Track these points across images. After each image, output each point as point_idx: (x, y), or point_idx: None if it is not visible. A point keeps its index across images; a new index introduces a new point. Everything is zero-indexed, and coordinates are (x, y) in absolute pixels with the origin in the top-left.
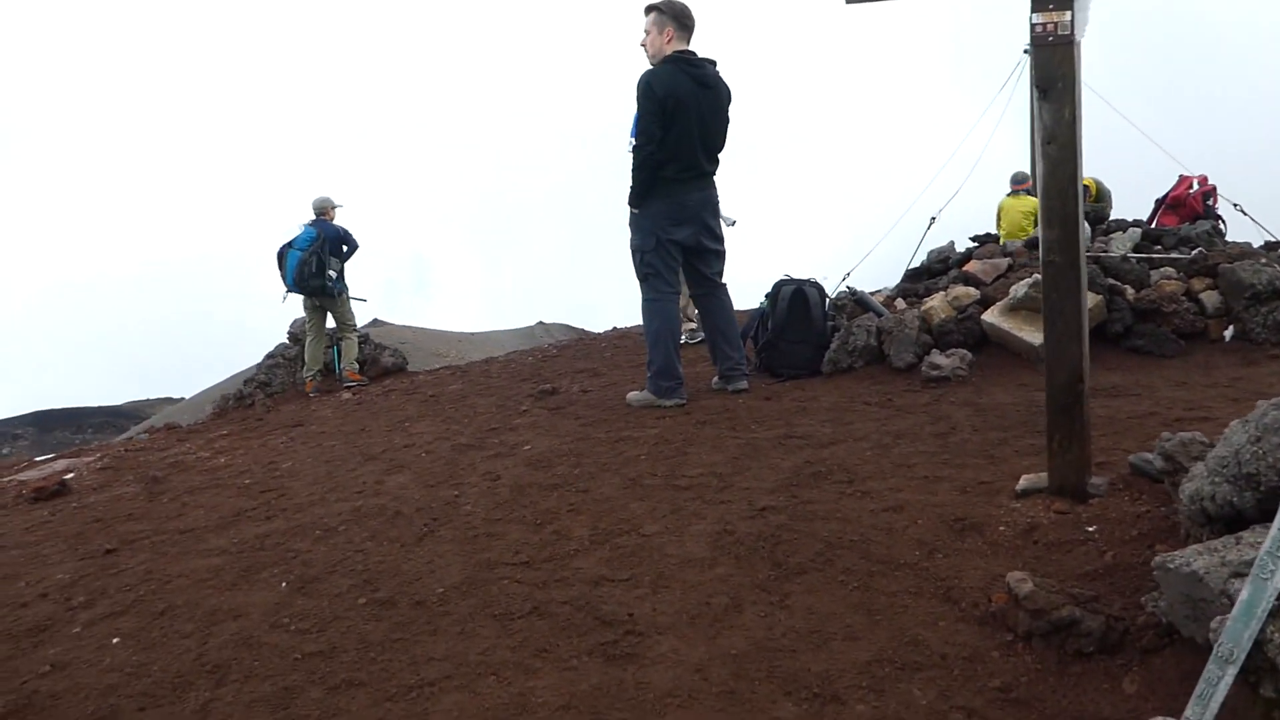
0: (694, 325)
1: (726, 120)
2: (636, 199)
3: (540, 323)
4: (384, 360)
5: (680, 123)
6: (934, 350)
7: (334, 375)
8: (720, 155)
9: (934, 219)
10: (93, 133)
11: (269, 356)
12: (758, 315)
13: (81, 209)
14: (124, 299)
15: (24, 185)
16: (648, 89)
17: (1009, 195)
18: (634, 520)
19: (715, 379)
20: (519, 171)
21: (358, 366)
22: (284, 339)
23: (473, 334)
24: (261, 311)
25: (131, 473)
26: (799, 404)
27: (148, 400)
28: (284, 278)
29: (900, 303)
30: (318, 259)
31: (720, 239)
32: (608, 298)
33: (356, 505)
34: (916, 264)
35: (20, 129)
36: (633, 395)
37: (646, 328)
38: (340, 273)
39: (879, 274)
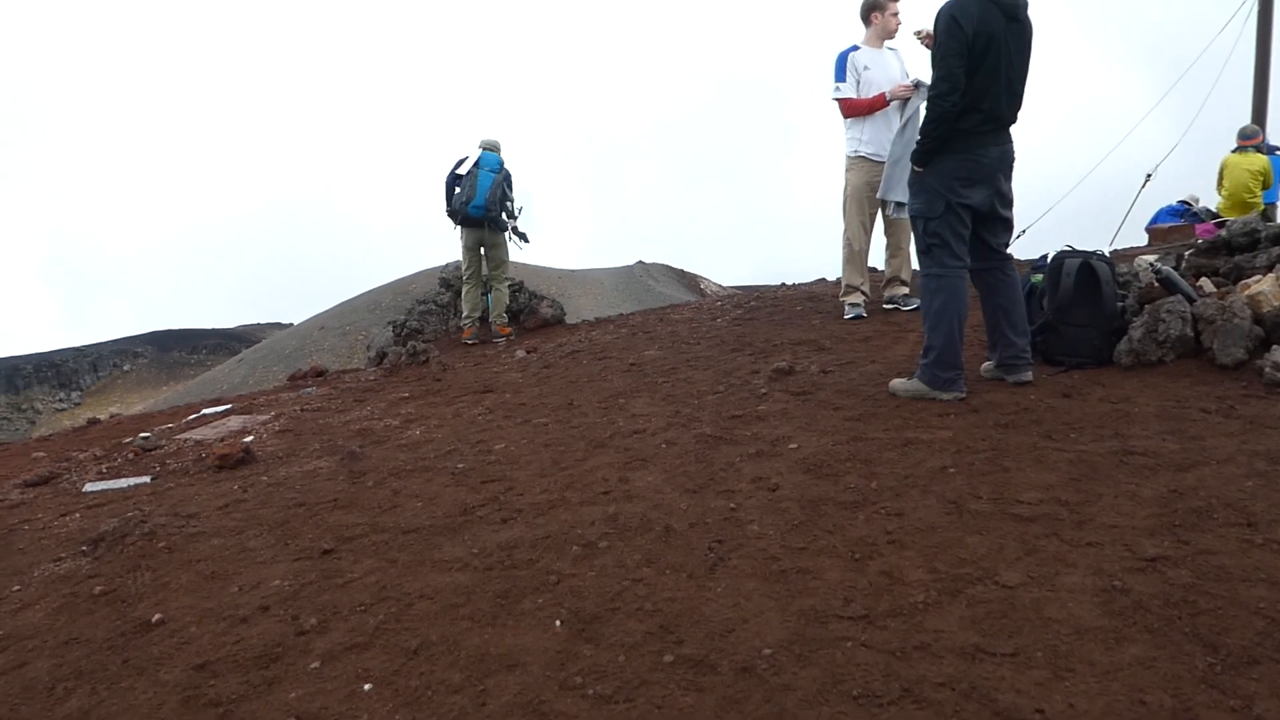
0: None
1: (1029, 60)
2: (924, 156)
3: (640, 262)
4: (542, 311)
5: (988, 64)
6: (1274, 346)
7: (487, 324)
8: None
9: (1150, 176)
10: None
11: (420, 303)
12: (1025, 292)
13: (205, 158)
14: (234, 236)
15: (159, 138)
16: (952, 24)
17: (1234, 152)
18: (980, 562)
19: (988, 365)
20: (622, 106)
21: (507, 319)
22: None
23: (573, 271)
24: (355, 248)
25: (316, 441)
26: (1113, 406)
27: (258, 324)
28: (457, 203)
29: (1206, 283)
30: (504, 187)
31: (1011, 204)
32: (706, 239)
33: (609, 512)
34: (1130, 225)
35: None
36: (899, 384)
37: (925, 306)
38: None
39: (1061, 233)
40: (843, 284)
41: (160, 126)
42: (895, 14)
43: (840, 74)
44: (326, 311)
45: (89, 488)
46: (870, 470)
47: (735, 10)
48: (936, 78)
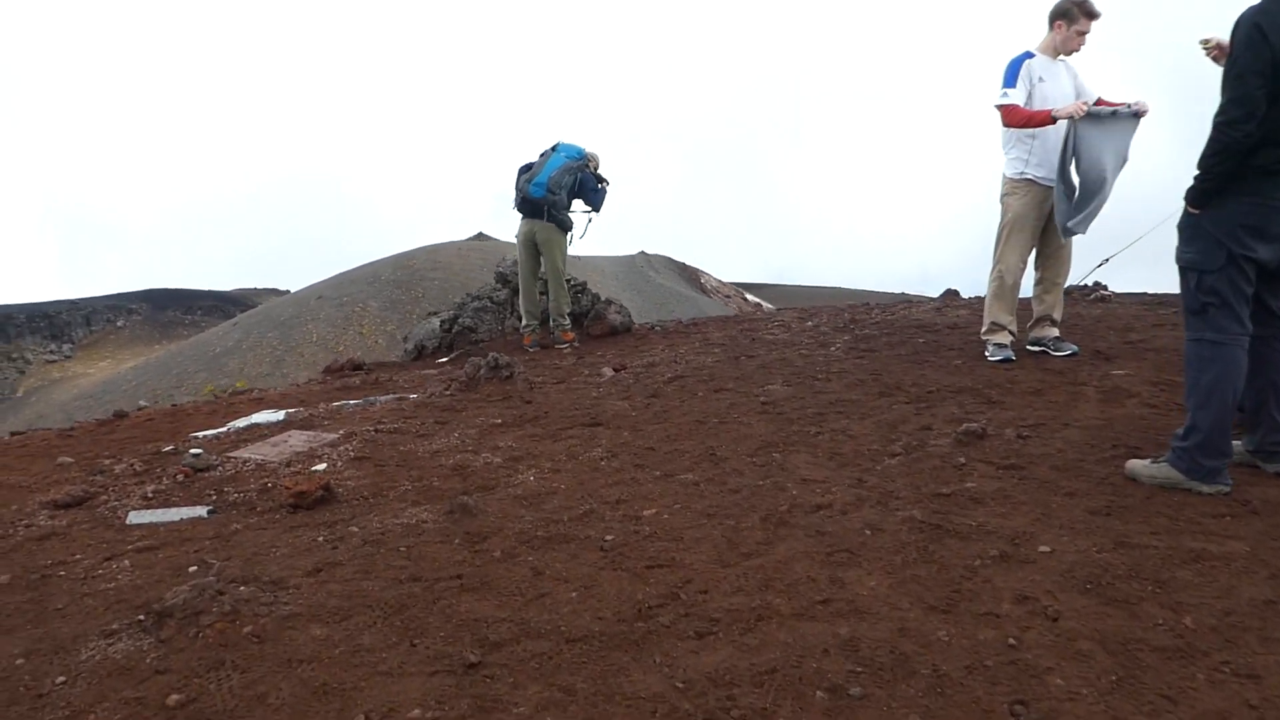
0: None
1: None
2: (1202, 195)
3: (642, 253)
4: (609, 317)
5: None
6: None
7: (547, 327)
8: None
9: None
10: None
11: (475, 298)
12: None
13: (212, 131)
14: (237, 201)
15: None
16: (1255, 35)
17: None
18: None
19: (1237, 444)
20: (631, 98)
21: (569, 324)
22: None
23: (574, 257)
24: (356, 221)
25: (405, 477)
26: None
27: (255, 289)
28: (520, 182)
29: None
30: (576, 178)
31: None
32: (709, 234)
33: (842, 635)
34: None
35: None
36: (1141, 467)
37: (1193, 379)
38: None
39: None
40: (986, 320)
41: (175, 89)
42: (1083, 34)
43: (1011, 79)
44: (324, 281)
45: (134, 518)
46: (1170, 597)
47: (749, 5)
48: (1227, 101)
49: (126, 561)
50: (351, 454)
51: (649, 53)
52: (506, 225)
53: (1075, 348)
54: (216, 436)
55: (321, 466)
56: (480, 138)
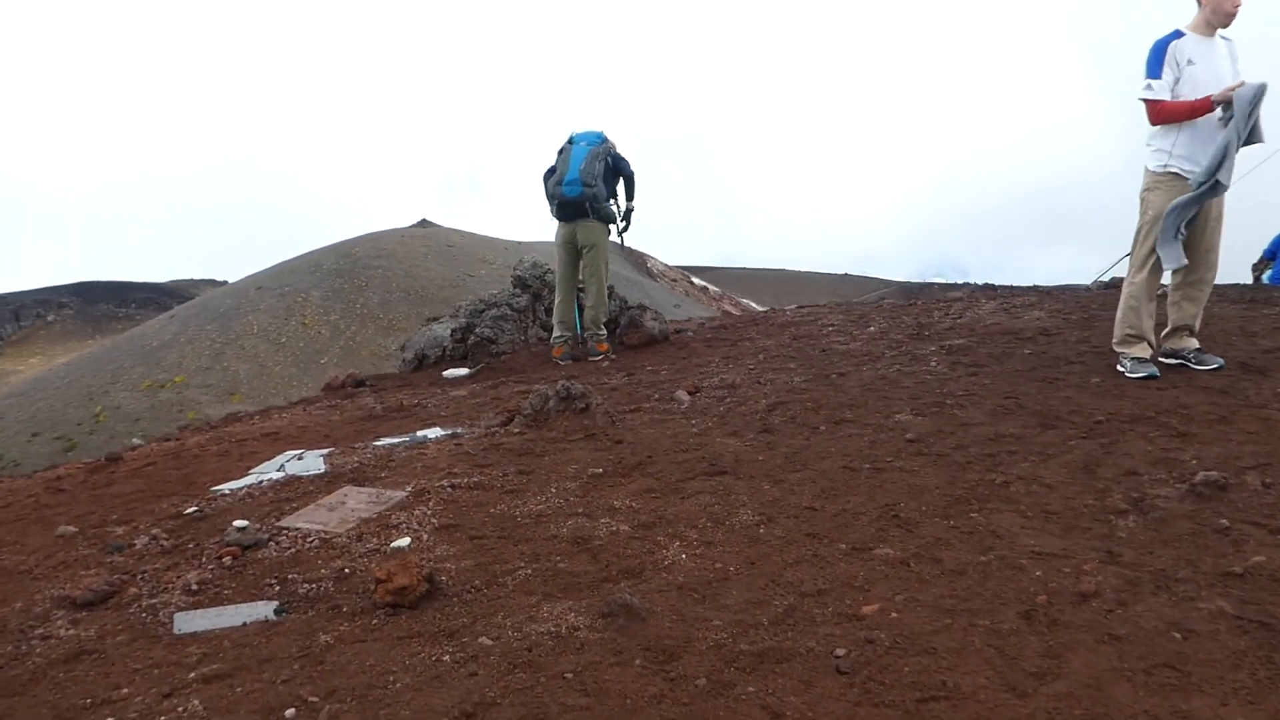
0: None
1: None
2: None
3: None
4: (647, 324)
5: None
6: None
7: (579, 338)
8: None
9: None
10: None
11: (493, 305)
12: None
13: (144, 109)
14: (170, 188)
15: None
16: None
17: None
18: None
19: None
20: (573, 79)
21: (605, 333)
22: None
23: (520, 242)
24: (295, 209)
25: (517, 555)
26: None
27: (191, 280)
28: (551, 186)
29: None
30: (607, 164)
31: None
32: (652, 215)
33: None
34: None
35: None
36: None
37: None
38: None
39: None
40: (1120, 329)
41: (105, 69)
42: (1236, 2)
43: (1155, 69)
44: (264, 271)
45: (183, 624)
46: None
47: None
48: None
49: (196, 701)
50: (434, 521)
51: (592, 33)
52: (450, 211)
53: (1220, 360)
54: (247, 492)
55: (405, 542)
56: (421, 120)
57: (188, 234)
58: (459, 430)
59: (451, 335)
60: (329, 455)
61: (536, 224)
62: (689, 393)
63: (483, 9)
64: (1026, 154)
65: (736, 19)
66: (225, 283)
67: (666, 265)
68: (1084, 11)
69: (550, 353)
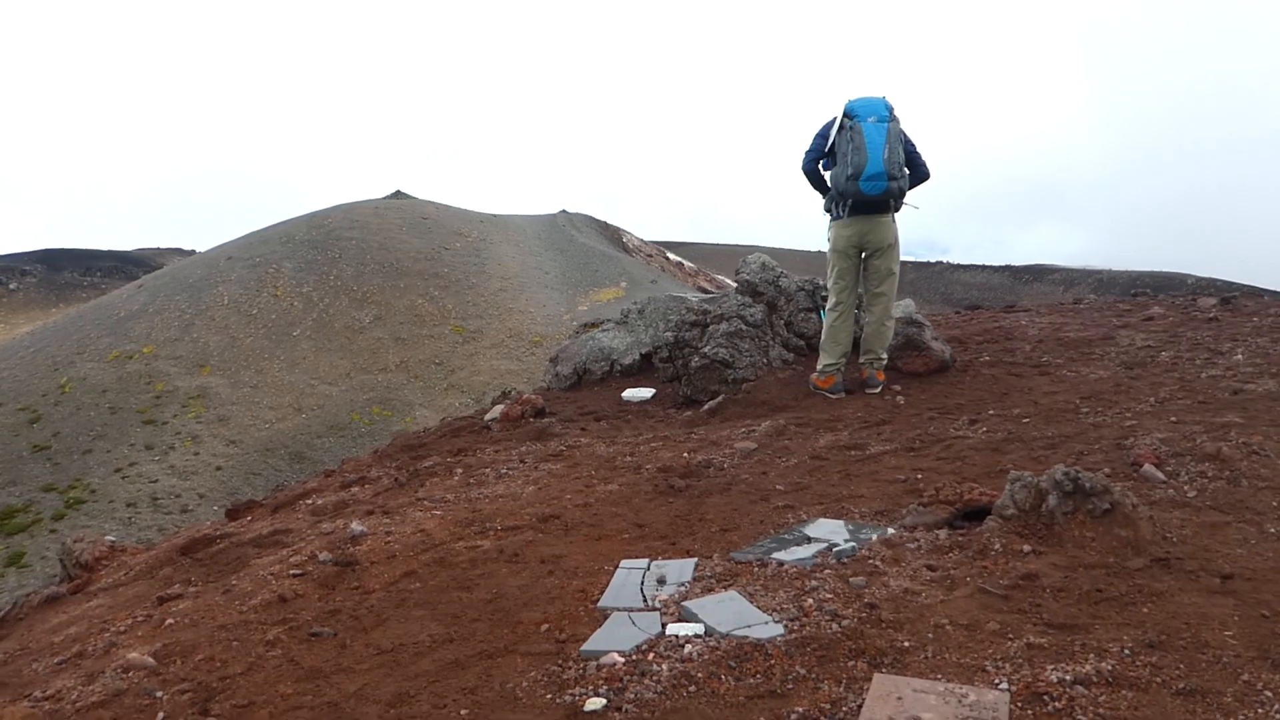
0: None
1: None
2: None
3: (564, 211)
4: (932, 347)
5: None
6: None
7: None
8: None
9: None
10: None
11: (718, 317)
12: None
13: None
14: (138, 152)
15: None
16: None
17: None
18: None
19: None
20: (550, 54)
21: (886, 359)
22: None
23: (495, 215)
24: (266, 182)
25: None
26: None
27: (158, 249)
28: (841, 179)
29: None
30: (907, 147)
31: None
32: (629, 189)
33: None
34: None
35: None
36: None
37: None
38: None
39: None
40: None
41: (73, 32)
42: None
43: None
44: (234, 241)
45: None
46: None
47: None
48: None
49: None
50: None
51: (568, 7)
52: (426, 183)
53: None
54: (646, 660)
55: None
56: (395, 89)
57: (155, 202)
58: (873, 531)
59: (658, 351)
60: (717, 580)
61: (508, 199)
62: (1135, 464)
63: None
64: (1005, 132)
65: None
66: (193, 252)
67: (642, 240)
68: None
69: (814, 383)
